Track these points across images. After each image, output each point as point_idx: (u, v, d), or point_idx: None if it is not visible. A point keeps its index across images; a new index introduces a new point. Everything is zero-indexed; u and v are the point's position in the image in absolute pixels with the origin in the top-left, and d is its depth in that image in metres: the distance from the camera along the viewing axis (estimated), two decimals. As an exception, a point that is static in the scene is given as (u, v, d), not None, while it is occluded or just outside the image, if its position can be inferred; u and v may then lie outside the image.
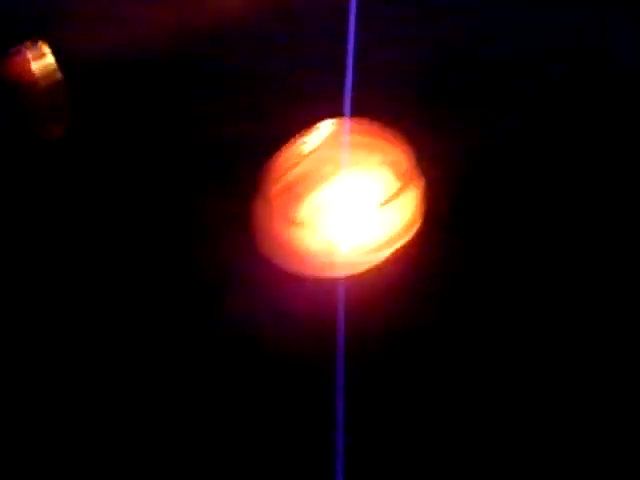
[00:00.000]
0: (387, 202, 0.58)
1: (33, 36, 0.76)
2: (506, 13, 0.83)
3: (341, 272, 0.59)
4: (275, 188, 0.62)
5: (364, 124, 0.63)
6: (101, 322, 0.62)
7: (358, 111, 0.65)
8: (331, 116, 0.64)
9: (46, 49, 0.75)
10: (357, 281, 0.59)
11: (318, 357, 0.59)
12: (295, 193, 0.63)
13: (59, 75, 0.76)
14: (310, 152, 0.63)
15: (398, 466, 0.55)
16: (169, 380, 0.59)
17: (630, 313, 0.62)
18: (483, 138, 0.72)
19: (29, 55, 0.74)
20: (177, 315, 0.63)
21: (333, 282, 0.59)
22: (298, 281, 0.59)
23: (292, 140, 0.63)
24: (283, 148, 0.62)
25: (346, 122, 0.63)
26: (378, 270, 0.59)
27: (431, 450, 0.56)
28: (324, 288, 0.59)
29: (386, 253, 0.59)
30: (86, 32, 0.82)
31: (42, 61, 0.75)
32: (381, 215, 0.58)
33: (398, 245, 0.59)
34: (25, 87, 0.74)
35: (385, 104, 0.64)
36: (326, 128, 0.63)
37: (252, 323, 0.61)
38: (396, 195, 0.58)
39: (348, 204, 0.61)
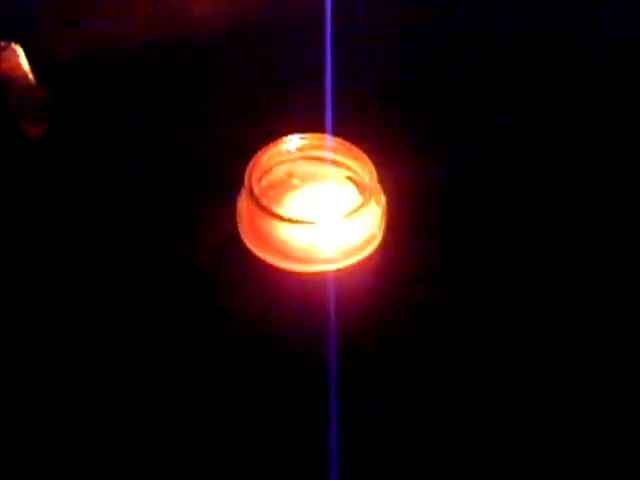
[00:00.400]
0: (349, 215, 0.59)
1: (5, 38, 0.76)
2: (489, 36, 0.85)
3: (326, 267, 0.60)
4: (261, 184, 0.62)
5: (332, 141, 0.64)
6: (88, 318, 0.62)
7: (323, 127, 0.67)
8: (305, 130, 0.65)
9: (19, 50, 0.76)
10: (344, 276, 0.60)
11: (307, 351, 0.60)
12: (280, 189, 0.64)
13: (31, 77, 0.76)
14: (282, 162, 0.64)
15: (392, 462, 0.56)
16: (158, 376, 0.59)
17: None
18: (448, 160, 0.75)
19: (12, 53, 0.75)
20: (163, 310, 0.63)
21: (320, 276, 0.59)
22: (284, 275, 0.60)
23: (277, 140, 0.64)
24: (268, 147, 0.63)
25: (317, 137, 0.64)
26: (364, 265, 0.61)
27: (426, 445, 0.57)
28: (310, 282, 0.60)
29: (353, 260, 0.60)
30: (60, 34, 0.82)
31: (18, 62, 0.76)
32: (344, 225, 0.59)
33: (360, 256, 0.60)
34: (4, 86, 0.74)
35: (351, 123, 0.65)
36: (296, 142, 0.65)
37: (240, 317, 0.62)
38: (358, 209, 0.59)
39: (319, 209, 0.63)
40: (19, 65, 0.75)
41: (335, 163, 0.65)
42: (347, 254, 0.60)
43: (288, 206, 0.63)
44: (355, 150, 0.63)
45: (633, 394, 0.60)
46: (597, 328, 0.63)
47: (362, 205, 0.60)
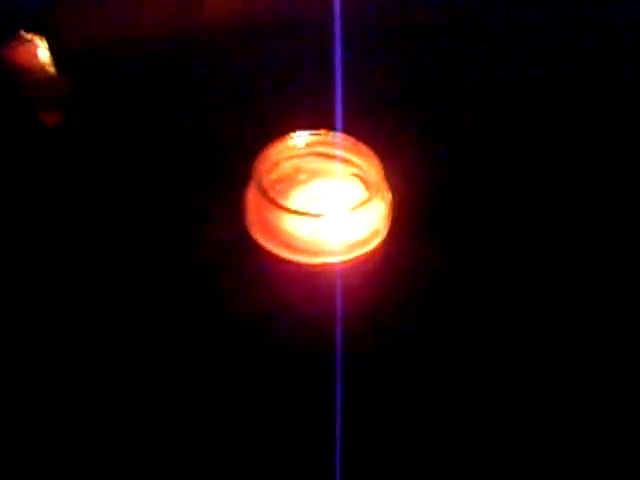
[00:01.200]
0: (355, 209, 0.60)
1: (27, 29, 0.77)
2: (493, 36, 0.86)
3: (331, 260, 0.61)
4: (268, 178, 0.63)
5: (339, 138, 0.65)
6: (93, 308, 0.63)
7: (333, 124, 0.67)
8: (313, 126, 0.66)
9: (41, 42, 0.77)
10: (348, 268, 0.61)
11: (312, 341, 0.61)
12: (287, 184, 0.65)
13: (52, 68, 0.77)
14: (290, 157, 0.65)
15: (397, 459, 0.56)
16: (162, 369, 0.59)
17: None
18: (454, 158, 0.76)
19: (32, 44, 0.76)
20: (169, 302, 0.63)
21: (325, 268, 0.60)
22: (290, 266, 0.60)
23: (286, 136, 0.65)
24: (277, 141, 0.64)
25: (325, 134, 0.65)
26: (369, 259, 0.61)
27: (432, 438, 0.57)
28: (316, 274, 0.61)
29: (356, 254, 0.61)
30: (82, 26, 0.83)
31: (37, 53, 0.77)
32: (349, 219, 0.60)
33: (365, 250, 0.61)
34: (24, 76, 0.75)
35: (360, 121, 0.65)
36: (304, 138, 0.66)
37: (246, 307, 0.63)
38: (363, 204, 0.60)
39: (325, 204, 0.64)
40: (39, 56, 0.76)
41: (342, 160, 0.65)
42: (352, 247, 0.61)
43: (294, 201, 0.64)
44: (362, 147, 0.64)
45: (631, 384, 0.60)
46: (599, 325, 0.64)
47: (368, 200, 0.61)
